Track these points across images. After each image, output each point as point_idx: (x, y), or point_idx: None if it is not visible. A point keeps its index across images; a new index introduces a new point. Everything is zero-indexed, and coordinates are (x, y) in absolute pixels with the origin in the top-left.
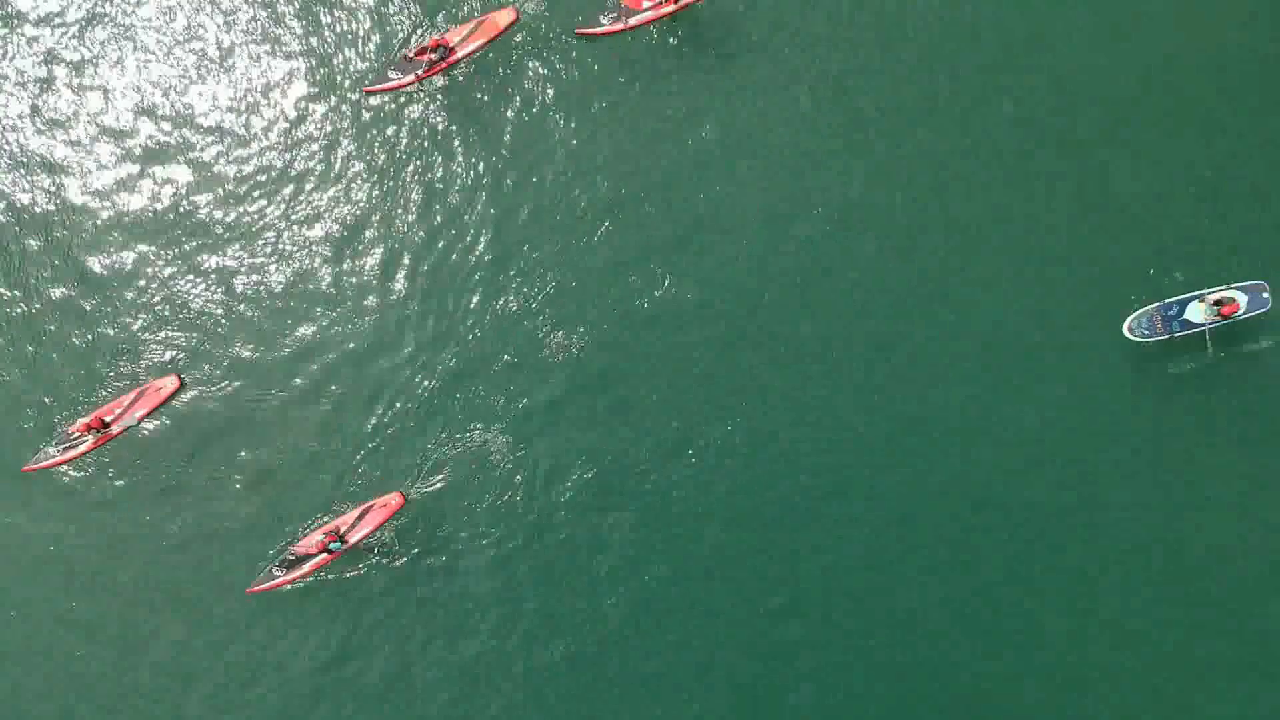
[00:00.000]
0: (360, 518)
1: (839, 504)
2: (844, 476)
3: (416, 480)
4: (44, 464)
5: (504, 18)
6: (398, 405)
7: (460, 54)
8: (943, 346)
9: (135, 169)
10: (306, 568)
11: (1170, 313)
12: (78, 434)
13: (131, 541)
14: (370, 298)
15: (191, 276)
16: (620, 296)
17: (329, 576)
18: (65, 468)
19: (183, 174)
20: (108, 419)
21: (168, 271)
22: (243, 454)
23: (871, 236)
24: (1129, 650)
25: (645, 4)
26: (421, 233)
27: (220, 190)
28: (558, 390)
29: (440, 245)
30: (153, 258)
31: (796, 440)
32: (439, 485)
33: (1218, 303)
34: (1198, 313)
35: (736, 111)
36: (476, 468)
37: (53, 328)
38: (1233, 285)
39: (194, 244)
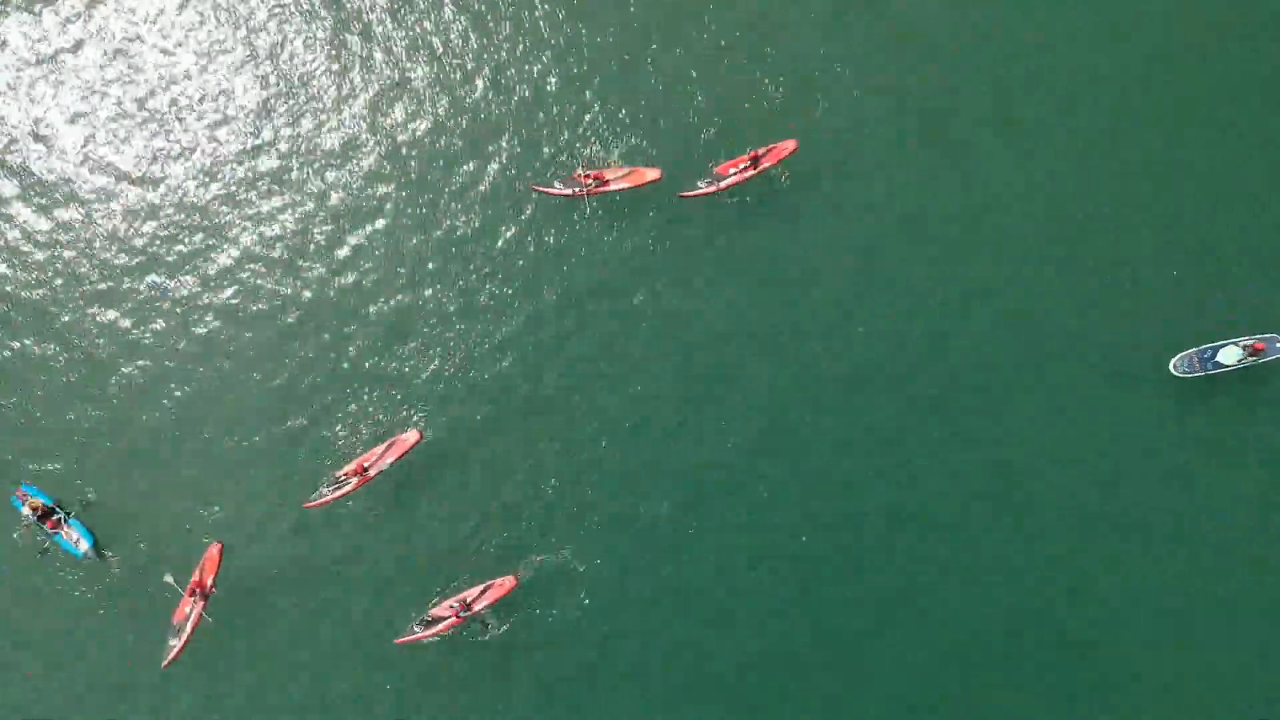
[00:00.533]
0: (482, 592)
1: (909, 527)
2: (924, 499)
3: (527, 564)
4: (320, 501)
5: (651, 174)
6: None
7: (610, 188)
8: (1017, 380)
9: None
10: (440, 627)
11: (1205, 355)
12: (344, 477)
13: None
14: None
15: (415, 357)
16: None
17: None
18: (335, 503)
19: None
20: (367, 465)
21: (407, 349)
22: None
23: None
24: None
25: (731, 171)
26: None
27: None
28: (662, 504)
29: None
30: (392, 349)
31: (867, 455)
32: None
33: (1246, 347)
34: (1229, 356)
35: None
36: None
37: (329, 397)
38: (1262, 335)
39: (414, 328)
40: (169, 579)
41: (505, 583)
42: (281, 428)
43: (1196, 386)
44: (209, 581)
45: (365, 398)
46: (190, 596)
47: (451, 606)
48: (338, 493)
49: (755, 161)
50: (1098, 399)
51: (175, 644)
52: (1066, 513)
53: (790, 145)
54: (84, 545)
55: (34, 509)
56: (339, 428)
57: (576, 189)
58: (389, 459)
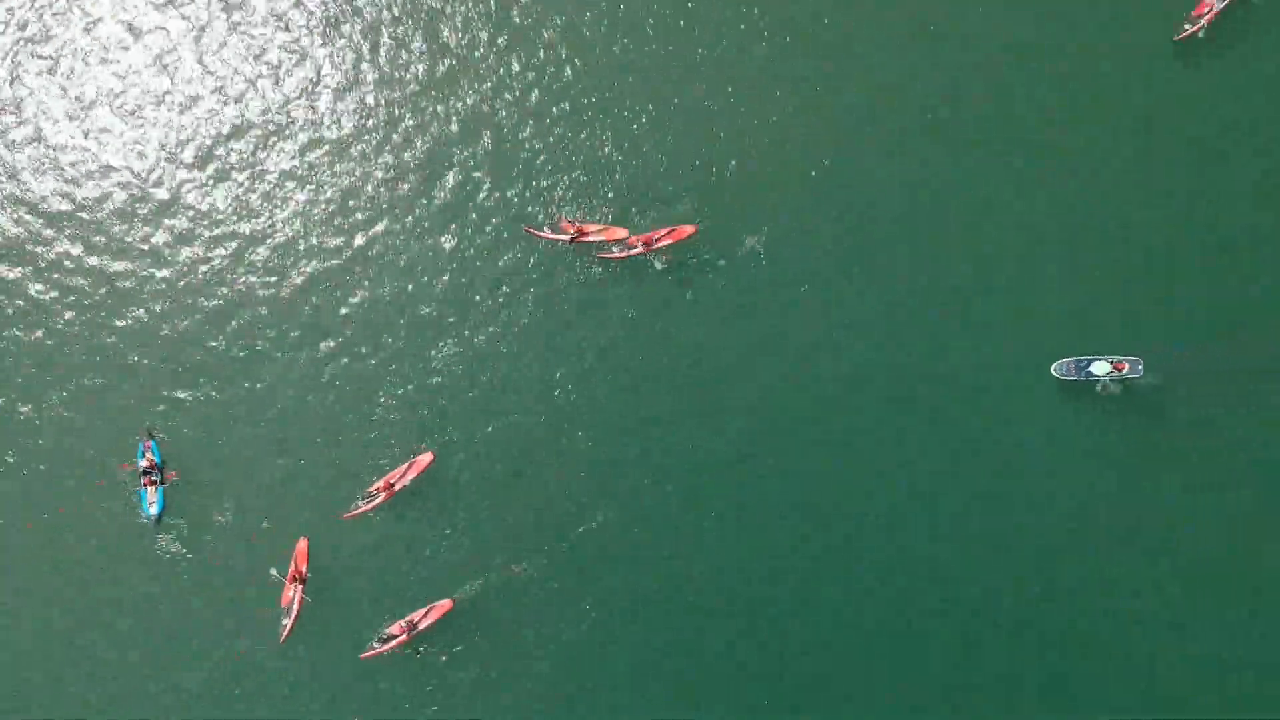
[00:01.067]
0: (426, 614)
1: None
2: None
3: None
4: (355, 512)
5: (620, 231)
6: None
7: (589, 239)
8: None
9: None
10: (393, 643)
11: (1081, 364)
12: (375, 491)
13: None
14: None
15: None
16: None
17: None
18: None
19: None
20: (393, 481)
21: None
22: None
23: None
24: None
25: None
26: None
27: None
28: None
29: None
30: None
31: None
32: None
33: (1112, 364)
34: (1099, 368)
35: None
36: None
37: (373, 435)
38: (1126, 356)
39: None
40: (274, 572)
41: (443, 605)
42: (329, 453)
43: (1069, 388)
44: (304, 569)
45: (389, 423)
46: (291, 583)
47: (401, 625)
48: (369, 505)
49: (648, 244)
50: (991, 390)
51: (287, 623)
52: (964, 493)
53: (689, 229)
54: (154, 510)
55: (148, 462)
56: (369, 449)
57: (561, 236)
58: (410, 476)
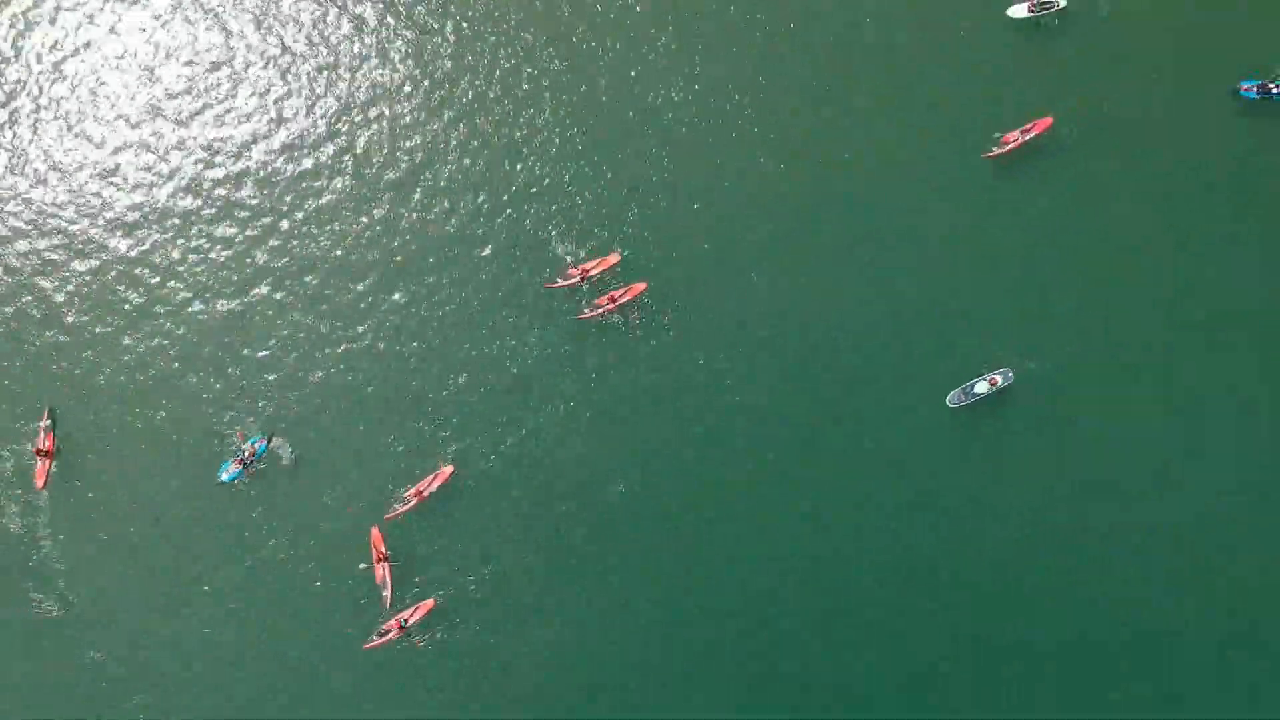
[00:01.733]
0: (413, 611)
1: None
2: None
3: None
4: (394, 514)
5: (613, 258)
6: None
7: (593, 273)
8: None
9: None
10: (389, 636)
11: (967, 389)
12: (409, 497)
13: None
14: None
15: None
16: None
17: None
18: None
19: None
20: (422, 489)
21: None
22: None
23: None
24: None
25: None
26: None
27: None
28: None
29: None
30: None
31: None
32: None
33: (989, 380)
34: (982, 387)
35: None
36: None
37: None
38: (998, 369)
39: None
40: (362, 566)
41: (426, 604)
42: (379, 465)
43: (964, 411)
44: (383, 550)
45: (418, 438)
46: (379, 564)
47: (393, 622)
48: (404, 509)
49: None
50: (898, 422)
51: (386, 594)
52: (883, 505)
53: (640, 287)
54: (225, 476)
55: (251, 452)
56: (401, 463)
57: (573, 280)
58: (435, 485)
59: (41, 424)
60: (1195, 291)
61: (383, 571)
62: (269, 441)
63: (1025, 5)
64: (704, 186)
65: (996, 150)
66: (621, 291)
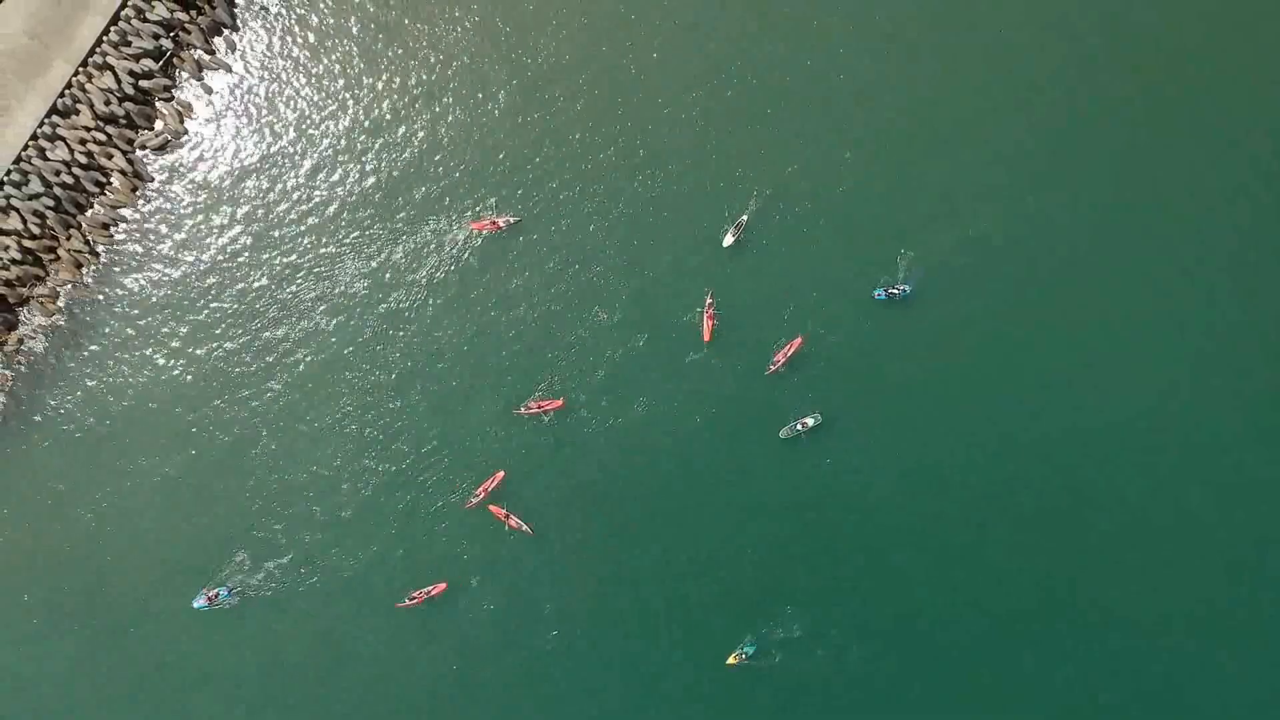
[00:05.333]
0: (431, 590)
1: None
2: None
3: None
4: (469, 504)
5: (557, 403)
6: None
7: (548, 409)
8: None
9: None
10: (414, 602)
11: (795, 427)
12: (480, 493)
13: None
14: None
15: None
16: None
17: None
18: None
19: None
20: (488, 487)
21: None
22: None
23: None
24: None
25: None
26: None
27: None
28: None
29: None
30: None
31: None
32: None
33: (805, 420)
34: (805, 425)
35: None
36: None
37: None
38: (812, 413)
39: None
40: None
41: (439, 587)
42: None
43: (795, 441)
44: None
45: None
46: (502, 516)
47: (417, 593)
48: (475, 501)
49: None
50: (745, 451)
51: (523, 525)
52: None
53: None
54: (196, 604)
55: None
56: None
57: (534, 410)
58: (493, 485)
59: None
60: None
61: (517, 521)
62: (229, 592)
63: (731, 234)
64: None
65: (773, 367)
66: (542, 403)
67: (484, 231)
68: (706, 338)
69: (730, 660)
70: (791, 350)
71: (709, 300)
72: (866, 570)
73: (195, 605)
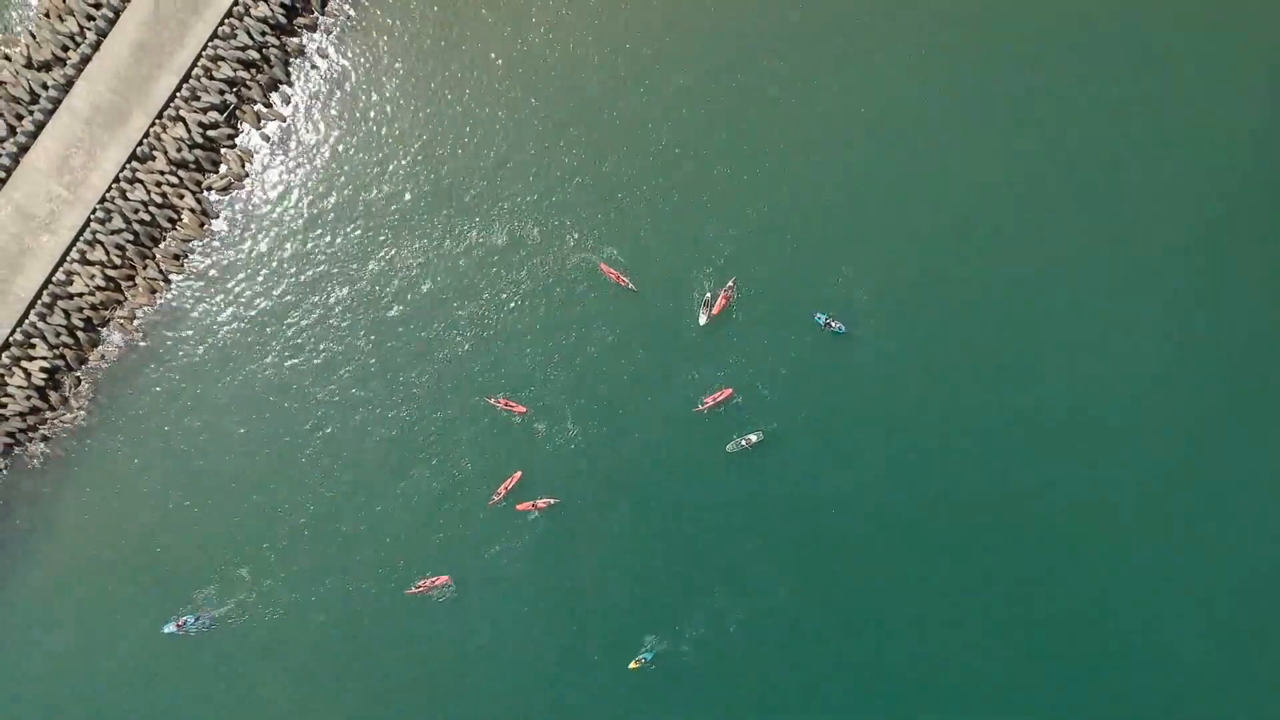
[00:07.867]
0: (434, 581)
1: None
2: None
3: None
4: (492, 502)
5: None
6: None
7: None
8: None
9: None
10: (420, 590)
11: (730, 442)
12: (501, 492)
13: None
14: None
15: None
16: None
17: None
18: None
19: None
20: (508, 486)
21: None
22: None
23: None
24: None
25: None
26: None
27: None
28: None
29: None
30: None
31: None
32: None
33: (746, 437)
34: (750, 440)
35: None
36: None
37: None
38: (756, 429)
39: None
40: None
41: (441, 579)
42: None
43: (738, 454)
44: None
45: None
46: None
47: (422, 583)
48: (495, 500)
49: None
50: (700, 461)
51: (540, 503)
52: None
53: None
54: (166, 629)
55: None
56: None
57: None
58: (511, 483)
59: None
60: None
61: (541, 505)
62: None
63: (704, 315)
64: None
65: (701, 408)
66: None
67: (507, 409)
68: (705, 320)
69: (632, 665)
70: (721, 398)
71: (730, 284)
72: (799, 567)
73: (165, 630)
